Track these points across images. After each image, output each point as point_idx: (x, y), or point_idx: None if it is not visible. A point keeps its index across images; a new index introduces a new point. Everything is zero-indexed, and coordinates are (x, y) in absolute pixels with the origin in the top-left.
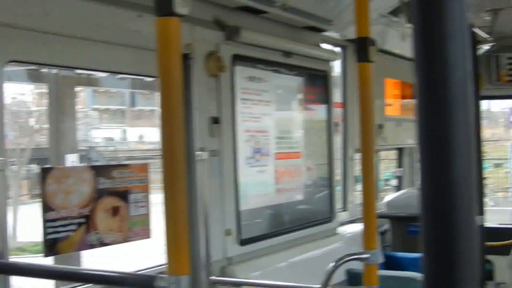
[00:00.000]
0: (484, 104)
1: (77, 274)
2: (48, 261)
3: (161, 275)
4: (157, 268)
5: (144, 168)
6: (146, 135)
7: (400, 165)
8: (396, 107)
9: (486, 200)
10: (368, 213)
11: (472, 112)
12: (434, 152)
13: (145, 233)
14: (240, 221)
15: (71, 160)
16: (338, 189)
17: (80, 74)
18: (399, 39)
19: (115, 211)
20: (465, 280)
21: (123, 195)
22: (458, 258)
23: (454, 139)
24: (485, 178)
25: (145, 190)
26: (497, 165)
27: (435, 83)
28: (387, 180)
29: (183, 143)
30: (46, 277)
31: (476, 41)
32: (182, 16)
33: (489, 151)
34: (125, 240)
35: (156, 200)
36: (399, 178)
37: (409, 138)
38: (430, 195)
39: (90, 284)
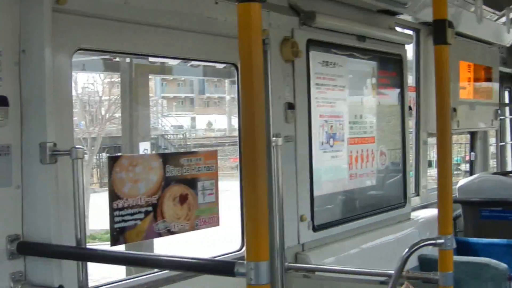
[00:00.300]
0: None
1: (155, 260)
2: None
3: (240, 261)
4: (231, 254)
5: (212, 155)
6: (215, 123)
7: (472, 149)
8: (469, 90)
9: None
10: (444, 198)
11: None
12: None
13: (214, 221)
14: (313, 207)
15: (144, 148)
16: (410, 174)
17: (154, 63)
18: (473, 21)
19: (183, 199)
20: None
21: (191, 182)
22: None
23: None
24: None
25: (214, 177)
26: None
27: None
28: (456, 164)
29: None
30: (123, 263)
31: None
32: (263, 1)
33: None
34: (193, 228)
35: (224, 187)
36: (472, 162)
37: (482, 122)
38: None
39: (165, 271)
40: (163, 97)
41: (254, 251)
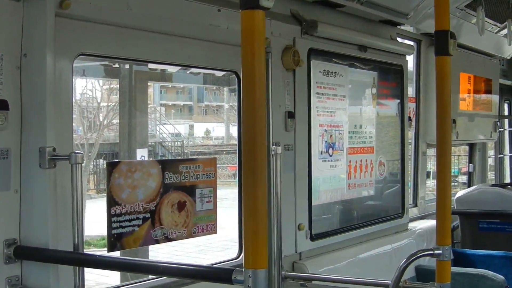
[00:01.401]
0: None
1: (153, 267)
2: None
3: (238, 269)
4: (229, 262)
5: (211, 162)
6: (213, 131)
7: (471, 160)
8: (469, 102)
9: None
10: (442, 209)
11: None
12: None
13: (212, 229)
14: (311, 216)
15: (141, 155)
16: (409, 185)
17: (155, 69)
18: (475, 33)
19: (181, 206)
20: None
21: (189, 189)
22: None
23: None
24: None
25: (212, 185)
26: None
27: None
28: (454, 176)
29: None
30: (121, 269)
31: None
32: (267, 9)
33: None
34: (191, 235)
35: (221, 195)
36: (470, 174)
37: (481, 134)
38: None
39: (162, 278)
40: (161, 105)
41: (253, 259)
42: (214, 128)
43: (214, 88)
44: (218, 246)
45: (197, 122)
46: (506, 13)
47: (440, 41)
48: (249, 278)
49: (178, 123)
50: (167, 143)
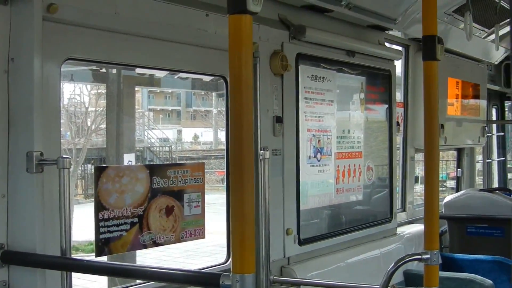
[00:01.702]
0: None
1: (141, 271)
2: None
3: (226, 274)
4: (217, 266)
5: (199, 167)
6: (201, 136)
7: (459, 165)
8: (457, 107)
9: None
10: (430, 213)
11: None
12: None
13: (199, 233)
14: (300, 221)
15: (128, 160)
16: (397, 190)
17: (143, 74)
18: (463, 38)
19: (169, 210)
20: None
21: (177, 194)
22: None
23: None
24: None
25: (200, 189)
26: None
27: None
28: (442, 181)
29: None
30: (109, 274)
31: None
32: (254, 13)
33: None
34: (179, 240)
35: (209, 200)
36: (458, 178)
37: (469, 139)
38: None
39: (149, 282)
40: (150, 110)
41: (240, 264)
42: (202, 133)
43: (203, 93)
44: (206, 251)
45: (185, 127)
46: (493, 18)
47: (428, 46)
48: (236, 282)
49: (166, 128)
50: (155, 148)
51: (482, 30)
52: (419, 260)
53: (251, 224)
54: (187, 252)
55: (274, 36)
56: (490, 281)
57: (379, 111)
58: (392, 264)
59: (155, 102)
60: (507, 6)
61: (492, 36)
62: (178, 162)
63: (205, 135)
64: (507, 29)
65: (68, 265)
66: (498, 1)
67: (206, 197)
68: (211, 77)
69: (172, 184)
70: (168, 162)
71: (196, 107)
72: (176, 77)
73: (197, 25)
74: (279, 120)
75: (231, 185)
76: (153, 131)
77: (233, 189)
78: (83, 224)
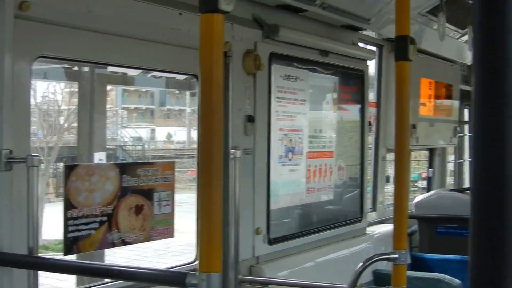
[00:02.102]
0: None
1: (108, 270)
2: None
3: (192, 272)
4: (185, 266)
5: (170, 166)
6: (174, 135)
7: (430, 165)
8: (430, 107)
9: None
10: (399, 213)
11: None
12: (487, 151)
13: (168, 232)
14: (270, 220)
15: (99, 158)
16: (368, 190)
17: (116, 73)
18: (436, 38)
19: (138, 209)
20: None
21: (147, 193)
22: (506, 261)
23: (507, 139)
24: None
25: (170, 188)
26: None
27: (493, 82)
28: (414, 181)
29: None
30: (75, 273)
31: None
32: (226, 13)
33: None
34: (148, 239)
35: (181, 200)
36: (429, 179)
37: (441, 139)
38: (480, 195)
39: (117, 281)
40: (123, 108)
41: (207, 262)
42: (176, 132)
43: (177, 92)
44: (177, 250)
45: (159, 126)
46: (467, 19)
47: (400, 47)
48: (202, 282)
49: (140, 127)
50: (128, 146)
51: (455, 31)
52: (387, 259)
53: (219, 223)
54: (158, 251)
55: (247, 36)
56: (458, 281)
57: (352, 111)
58: (361, 264)
59: (129, 100)
60: None
61: (466, 37)
62: (151, 161)
63: (178, 134)
64: None
65: (35, 263)
66: (471, 2)
67: (178, 196)
68: (185, 76)
69: (142, 183)
70: (140, 161)
71: (170, 106)
72: (149, 75)
73: (170, 23)
74: (251, 119)
75: (200, 184)
76: (127, 129)
77: (202, 188)
78: (53, 223)
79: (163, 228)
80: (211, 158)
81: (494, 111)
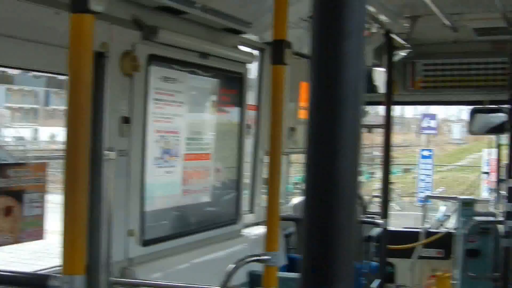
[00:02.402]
0: (398, 110)
1: None
2: None
3: (55, 275)
4: (55, 268)
5: (41, 167)
6: (58, 135)
7: None
8: None
9: (392, 204)
10: (271, 215)
11: (360, 112)
12: (320, 150)
13: (38, 234)
14: (144, 222)
15: None
16: (247, 192)
17: None
18: None
19: (7, 211)
20: (339, 279)
21: (17, 194)
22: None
23: (340, 138)
24: (392, 183)
25: (42, 190)
26: (406, 170)
27: (328, 81)
28: (297, 183)
29: (90, 142)
30: None
31: (392, 46)
32: (97, 13)
33: (399, 156)
34: (17, 241)
35: (57, 201)
36: None
37: None
38: (312, 194)
39: None
40: (6, 107)
41: (70, 265)
42: (60, 132)
43: (62, 92)
44: (56, 252)
45: (43, 126)
46: None
47: (277, 51)
48: (65, 284)
49: (22, 126)
50: (9, 147)
51: None
52: (259, 261)
53: (82, 225)
54: (36, 253)
55: (126, 37)
56: None
57: (231, 113)
58: (232, 265)
59: (12, 99)
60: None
61: None
62: (33, 161)
63: (62, 134)
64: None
65: None
66: None
67: (55, 197)
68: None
69: (12, 184)
70: (22, 162)
71: (55, 105)
72: (29, 74)
73: (46, 23)
74: (126, 120)
75: (64, 185)
76: (9, 129)
77: (66, 189)
78: None
79: (33, 229)
80: (76, 160)
81: (326, 112)
